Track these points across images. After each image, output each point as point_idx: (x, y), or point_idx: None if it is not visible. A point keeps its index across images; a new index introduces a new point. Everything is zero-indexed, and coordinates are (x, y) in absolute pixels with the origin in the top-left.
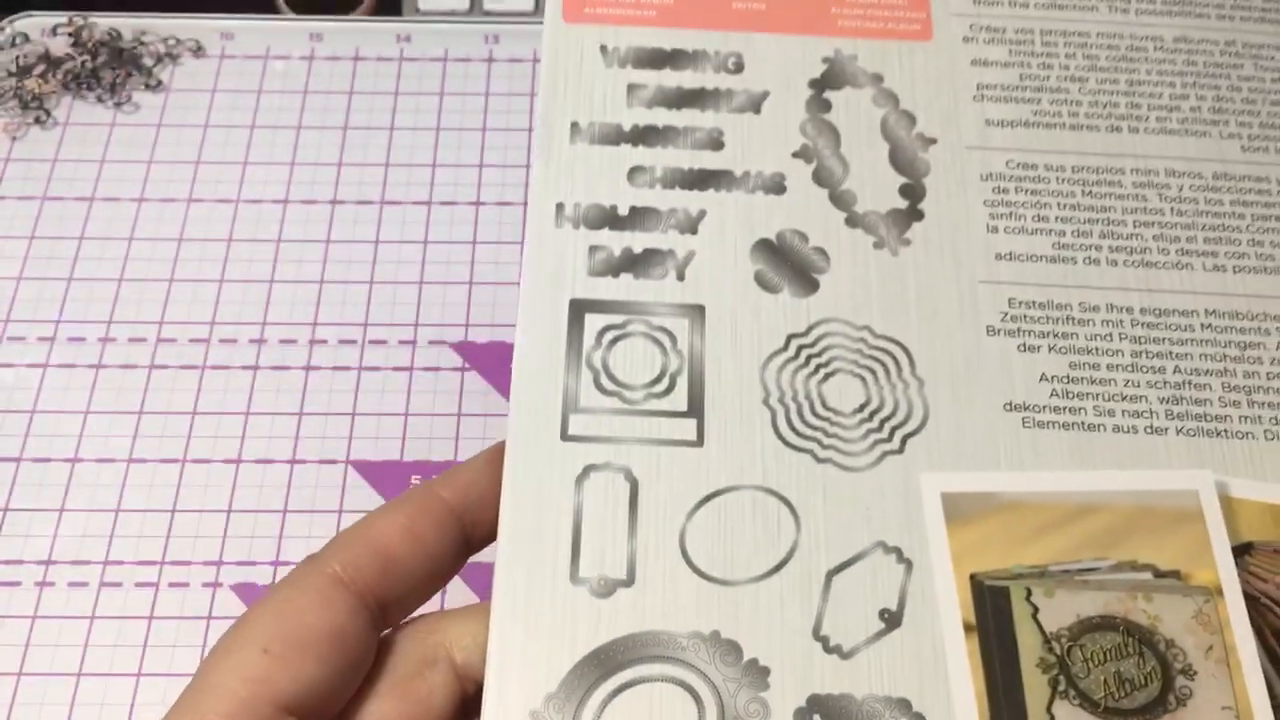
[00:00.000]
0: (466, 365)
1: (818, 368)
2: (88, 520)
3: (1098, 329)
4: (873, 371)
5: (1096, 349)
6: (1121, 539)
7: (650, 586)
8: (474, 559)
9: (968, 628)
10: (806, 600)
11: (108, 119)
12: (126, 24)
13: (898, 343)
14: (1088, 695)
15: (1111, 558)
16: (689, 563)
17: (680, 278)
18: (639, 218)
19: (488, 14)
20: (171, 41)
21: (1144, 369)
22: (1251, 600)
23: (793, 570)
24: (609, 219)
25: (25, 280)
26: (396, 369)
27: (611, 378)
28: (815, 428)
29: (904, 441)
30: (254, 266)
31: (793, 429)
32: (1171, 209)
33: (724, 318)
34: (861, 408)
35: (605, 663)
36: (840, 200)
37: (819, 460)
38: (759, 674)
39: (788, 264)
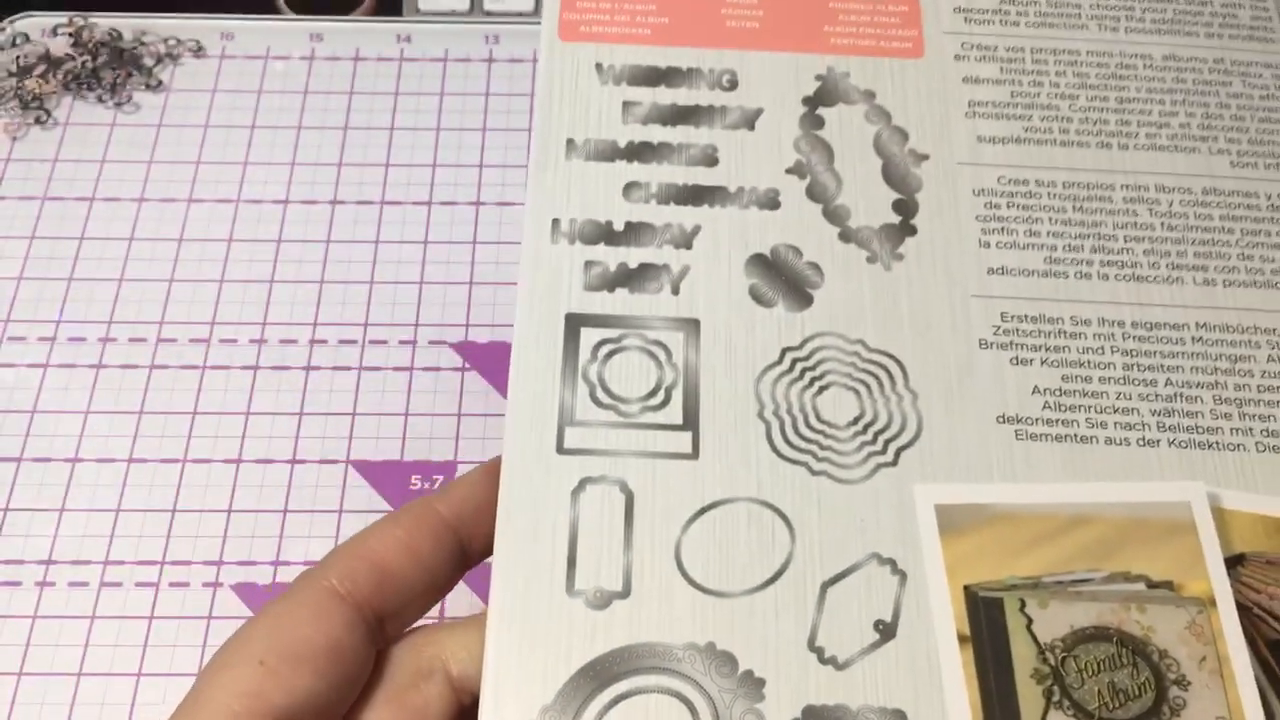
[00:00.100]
0: (466, 365)
1: (812, 381)
2: (88, 520)
3: (1089, 342)
4: (866, 385)
5: (1088, 362)
6: (1114, 550)
7: (646, 598)
8: None
9: (962, 639)
10: (801, 612)
11: (108, 119)
12: (127, 24)
13: (891, 356)
14: (1082, 706)
15: (1105, 569)
16: (684, 574)
17: (675, 292)
18: (634, 233)
19: (488, 14)
20: (172, 41)
21: (1136, 382)
22: (1244, 611)
23: (788, 582)
24: (604, 234)
25: (25, 280)
26: (397, 369)
27: (607, 391)
28: (810, 440)
29: (898, 454)
30: (254, 266)
31: (787, 442)
32: (1162, 224)
33: (719, 331)
34: (855, 420)
35: (601, 674)
36: (834, 215)
37: (813, 473)
38: (754, 685)
39: (782, 278)
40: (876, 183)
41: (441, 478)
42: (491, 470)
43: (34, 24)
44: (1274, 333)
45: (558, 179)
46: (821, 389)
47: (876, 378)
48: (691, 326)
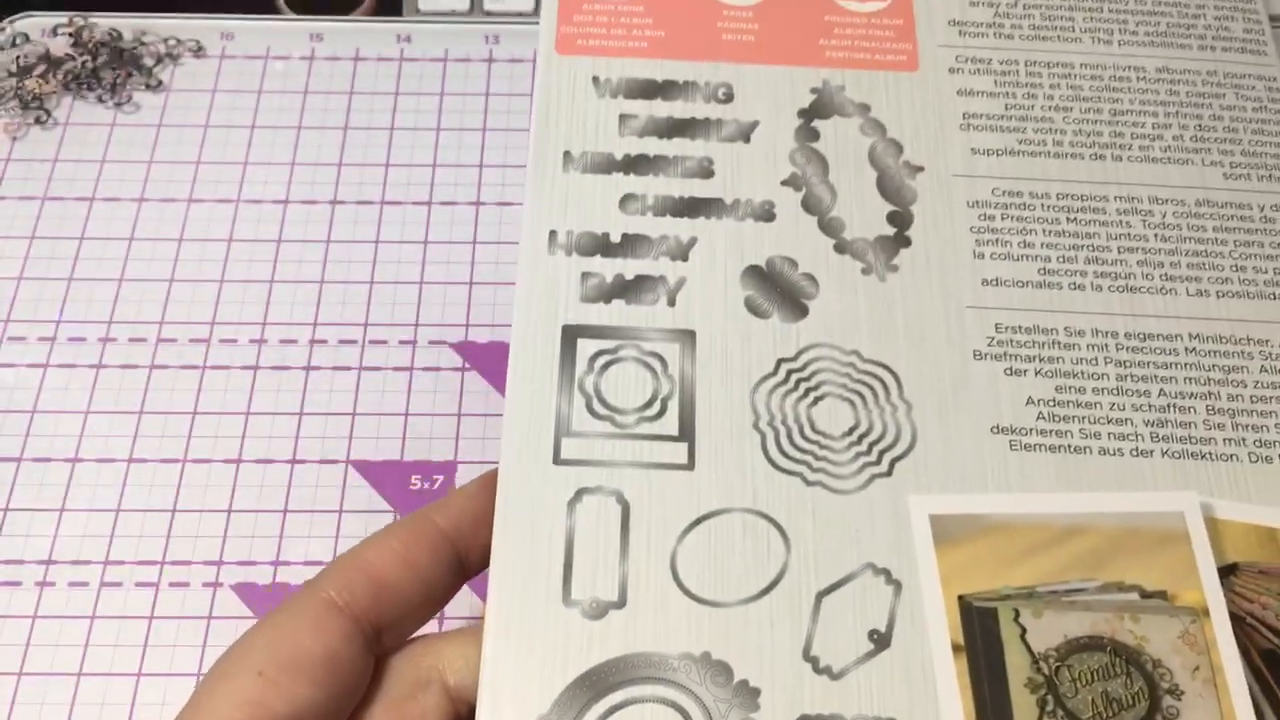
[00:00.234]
0: (466, 365)
1: (807, 392)
2: (88, 520)
3: (1083, 353)
4: (861, 395)
5: (1082, 373)
6: (1108, 560)
7: (642, 608)
8: None
9: (956, 648)
10: (796, 621)
11: (108, 119)
12: (127, 24)
13: (886, 367)
14: (1076, 715)
15: (1098, 578)
16: (680, 584)
17: (671, 303)
18: (631, 245)
19: (488, 14)
20: (172, 41)
21: (1129, 392)
22: (1237, 620)
23: (783, 592)
24: (601, 246)
25: (25, 280)
26: (397, 369)
27: (603, 402)
28: (805, 451)
29: (892, 464)
30: (254, 266)
31: (782, 452)
32: (1155, 235)
33: (714, 343)
34: (850, 431)
35: (597, 684)
36: (829, 227)
37: (809, 483)
38: (749, 695)
39: (777, 290)
40: (871, 195)
41: (441, 478)
42: (489, 482)
43: (34, 24)
44: (1267, 343)
45: (555, 191)
46: (816, 400)
47: (871, 388)
48: (687, 338)
